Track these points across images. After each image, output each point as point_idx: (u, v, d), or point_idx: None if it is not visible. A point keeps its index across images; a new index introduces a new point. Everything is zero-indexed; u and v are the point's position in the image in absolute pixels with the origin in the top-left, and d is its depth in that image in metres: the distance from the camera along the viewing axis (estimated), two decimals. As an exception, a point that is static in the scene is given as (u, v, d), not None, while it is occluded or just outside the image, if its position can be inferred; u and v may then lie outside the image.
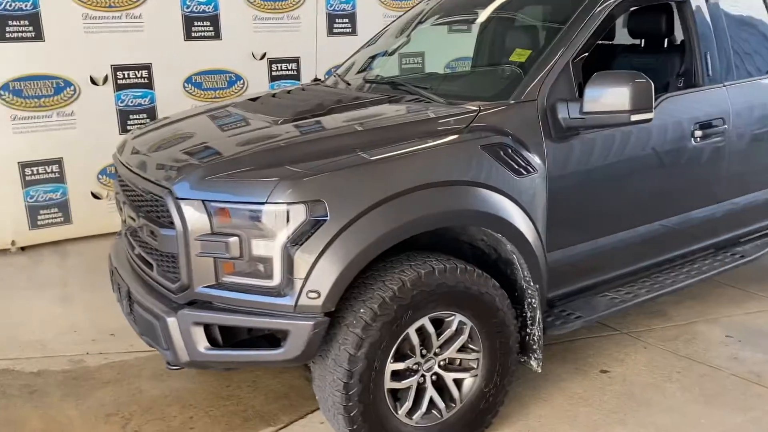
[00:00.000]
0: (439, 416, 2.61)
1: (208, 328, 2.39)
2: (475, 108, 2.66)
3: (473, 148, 2.51)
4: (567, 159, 2.78)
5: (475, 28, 3.67)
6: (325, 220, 2.23)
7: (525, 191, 2.64)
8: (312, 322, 2.25)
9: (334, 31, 5.78)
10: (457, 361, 2.66)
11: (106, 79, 4.94)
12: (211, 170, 2.36)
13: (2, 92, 4.62)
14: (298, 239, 2.23)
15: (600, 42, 4.11)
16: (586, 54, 2.85)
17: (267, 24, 5.47)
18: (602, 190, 2.92)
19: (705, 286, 4.19)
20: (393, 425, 2.50)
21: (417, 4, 3.93)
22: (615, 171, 2.94)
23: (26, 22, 4.57)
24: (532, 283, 2.71)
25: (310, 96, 3.18)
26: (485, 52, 3.63)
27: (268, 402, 3.10)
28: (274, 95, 3.30)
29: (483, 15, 3.57)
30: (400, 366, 2.46)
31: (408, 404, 2.52)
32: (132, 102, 5.07)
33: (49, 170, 4.89)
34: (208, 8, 5.21)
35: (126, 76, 5.01)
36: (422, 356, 2.54)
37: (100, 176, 5.07)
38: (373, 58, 3.76)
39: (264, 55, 5.50)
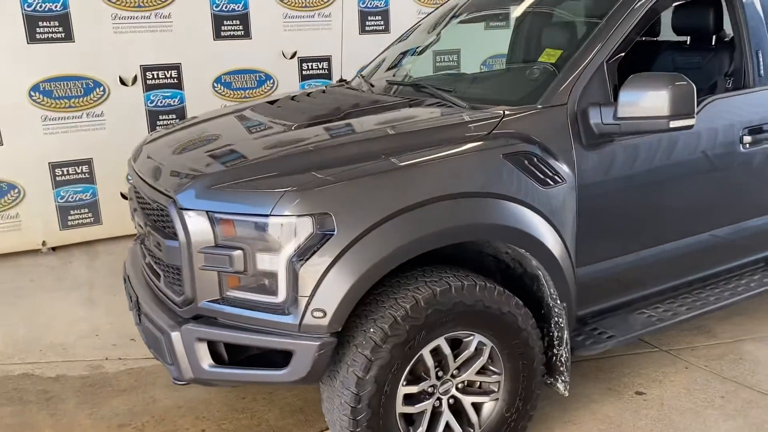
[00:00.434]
0: (456, 442, 2.46)
1: (212, 345, 2.29)
2: (498, 113, 2.48)
3: (494, 156, 2.34)
4: (600, 168, 2.58)
5: (509, 23, 3.46)
6: (333, 234, 2.09)
7: (552, 203, 2.45)
8: (317, 343, 2.13)
9: (367, 28, 5.64)
10: (477, 384, 2.50)
11: (135, 79, 4.92)
12: (216, 179, 2.25)
13: (32, 93, 4.64)
14: (304, 254, 2.10)
15: (643, 39, 3.91)
16: (623, 54, 2.63)
17: (297, 22, 5.36)
18: (638, 201, 2.70)
19: (754, 301, 3.88)
20: (405, 451, 2.35)
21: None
22: (653, 181, 2.71)
23: (56, 23, 4.58)
24: (558, 301, 2.53)
25: (329, 99, 3.05)
26: (518, 51, 3.43)
27: (284, 416, 2.99)
28: (293, 98, 3.18)
29: (517, 10, 3.38)
30: (413, 389, 2.31)
31: (422, 430, 2.37)
32: (161, 102, 5.05)
33: (79, 171, 4.90)
34: (238, 7, 5.13)
35: (155, 76, 4.98)
36: (438, 378, 2.38)
37: (129, 177, 5.06)
38: (399, 57, 3.61)
39: (294, 54, 5.40)
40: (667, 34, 3.65)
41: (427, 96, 2.88)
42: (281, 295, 2.14)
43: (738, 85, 3.03)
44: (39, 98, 4.67)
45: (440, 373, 2.38)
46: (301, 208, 2.09)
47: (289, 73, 5.40)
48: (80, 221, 4.99)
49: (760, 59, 2.97)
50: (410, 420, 2.38)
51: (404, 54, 3.58)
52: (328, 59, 5.52)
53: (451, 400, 2.44)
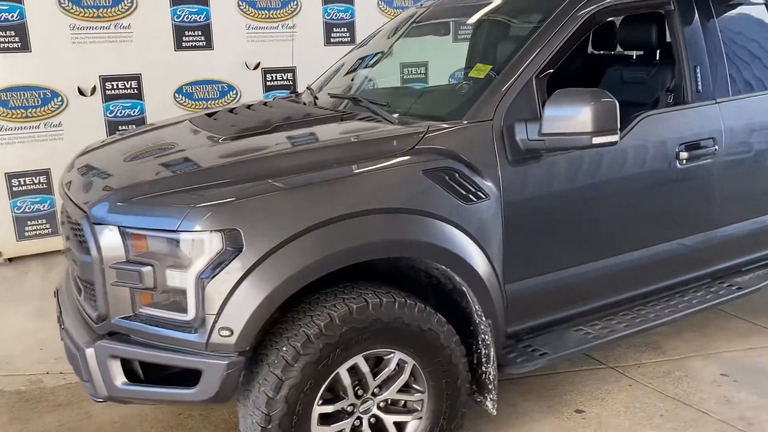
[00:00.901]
0: (377, 462, 2.42)
1: (126, 362, 2.25)
2: (422, 129, 2.46)
3: (413, 172, 2.31)
4: (526, 184, 2.55)
5: (457, 36, 3.45)
6: (241, 251, 2.06)
7: (475, 219, 2.42)
8: (225, 362, 2.09)
9: (332, 40, 5.63)
10: (401, 403, 2.46)
11: (94, 89, 4.89)
12: (128, 194, 2.22)
13: (-12, 103, 4.61)
14: (212, 271, 2.07)
15: (595, 53, 3.91)
16: (551, 70, 2.61)
17: (261, 33, 5.35)
18: (568, 217, 2.68)
19: (707, 317, 3.87)
20: (322, 473, 2.31)
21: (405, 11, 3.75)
22: (583, 197, 2.69)
23: (12, 33, 4.55)
24: (484, 318, 2.49)
25: (265, 112, 3.02)
26: (467, 65, 3.41)
27: (217, 434, 2.95)
28: (232, 110, 3.16)
29: (463, 24, 3.36)
30: (329, 409, 2.27)
31: (340, 449, 2.34)
32: (121, 113, 5.02)
33: (36, 181, 4.86)
34: (200, 18, 5.12)
35: (115, 86, 4.95)
36: (358, 397, 2.34)
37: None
38: (348, 70, 3.59)
39: (258, 65, 5.38)
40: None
41: (363, 110, 2.86)
42: (191, 313, 2.11)
43: (678, 100, 3.01)
44: (-5, 108, 4.64)
45: (360, 392, 2.34)
46: (208, 224, 2.06)
47: (253, 84, 5.38)
48: (37, 232, 4.95)
49: (698, 75, 2.96)
50: (329, 440, 2.34)
51: (354, 66, 3.56)
52: (292, 70, 5.50)
53: (372, 419, 2.40)
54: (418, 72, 3.41)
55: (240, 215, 2.07)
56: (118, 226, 2.16)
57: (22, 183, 4.83)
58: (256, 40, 5.35)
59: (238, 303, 2.06)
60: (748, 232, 3.22)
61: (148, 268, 2.11)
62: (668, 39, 3.10)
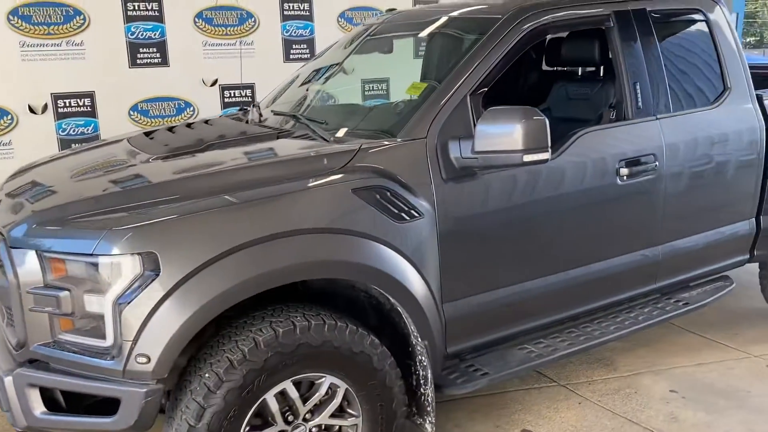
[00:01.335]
0: (310, 489, 2.35)
1: (46, 391, 2.18)
2: (354, 147, 2.43)
3: (342, 191, 2.27)
4: (461, 202, 2.52)
5: (403, 55, 3.43)
6: (158, 275, 2.00)
7: (408, 238, 2.39)
8: (143, 390, 2.02)
9: (291, 57, 5.60)
10: (335, 428, 2.40)
11: (45, 107, 4.81)
12: (45, 216, 2.16)
13: (-66, 121, 4.51)
14: (129, 296, 2.01)
15: (543, 69, 3.92)
16: (486, 89, 2.60)
17: (218, 50, 5.31)
18: (506, 235, 2.65)
19: (660, 331, 3.87)
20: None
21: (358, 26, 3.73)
22: (521, 215, 2.67)
23: (-41, 51, 4.47)
24: (420, 339, 2.45)
25: (202, 131, 2.97)
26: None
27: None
28: (171, 129, 3.11)
29: (406, 41, 3.35)
30: (256, 436, 2.21)
31: (271, 476, 2.27)
32: (74, 131, 4.93)
33: (-15, 201, 4.75)
34: (155, 35, 5.07)
35: (67, 104, 4.87)
36: (289, 423, 2.28)
37: None
38: (297, 85, 3.55)
39: (215, 82, 5.34)
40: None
41: (303, 127, 2.82)
42: (109, 339, 2.04)
43: (620, 116, 3.01)
44: (-60, 127, 4.54)
45: (291, 417, 2.28)
46: (124, 247, 2.00)
47: (210, 101, 5.33)
48: (-14, 253, 4.82)
49: (638, 91, 2.96)
50: (260, 468, 2.28)
51: (302, 82, 3.53)
52: (251, 87, 5.46)
53: (305, 445, 2.34)
54: (368, 89, 3.40)
55: (157, 238, 2.02)
56: (36, 250, 2.09)
57: (-30, 203, 4.71)
58: (213, 57, 5.31)
59: (155, 329, 2.00)
60: (693, 247, 3.21)
61: (65, 293, 2.05)
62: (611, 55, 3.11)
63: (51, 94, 4.82)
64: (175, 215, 2.06)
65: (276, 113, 3.16)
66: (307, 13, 5.58)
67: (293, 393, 2.24)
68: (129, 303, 2.00)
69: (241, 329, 2.19)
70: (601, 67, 3.33)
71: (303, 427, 2.31)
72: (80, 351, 2.09)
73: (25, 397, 2.15)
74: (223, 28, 5.31)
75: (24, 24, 4.65)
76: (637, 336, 3.66)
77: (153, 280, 2.00)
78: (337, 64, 3.42)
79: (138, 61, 5.05)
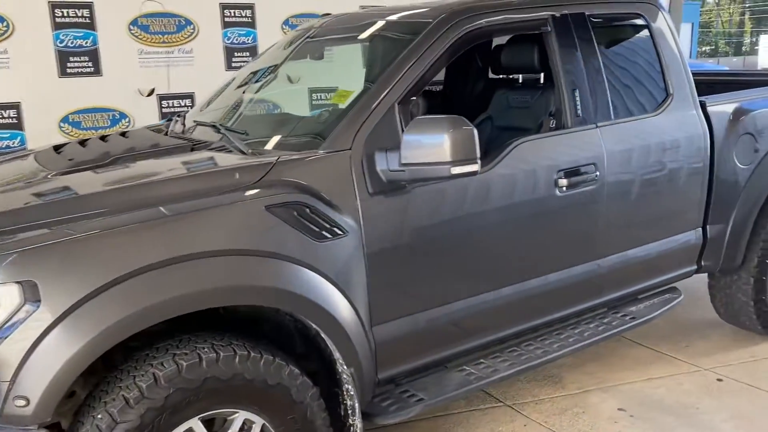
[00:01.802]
0: None
1: None
2: (270, 160, 2.24)
3: (254, 209, 2.08)
4: (390, 218, 2.36)
5: (335, 61, 3.26)
6: (39, 307, 1.78)
7: (331, 258, 2.21)
8: (24, 436, 1.80)
9: (233, 65, 5.39)
10: (254, 466, 2.20)
11: (-34, 119, 4.52)
12: None
13: None
14: (6, 330, 1.78)
15: (488, 77, 3.79)
16: (414, 97, 2.45)
17: (155, 58, 5.08)
18: (440, 252, 2.49)
19: (611, 345, 3.76)
20: None
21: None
22: (455, 230, 2.51)
23: None
24: (346, 367, 2.27)
25: (114, 144, 2.75)
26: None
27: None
28: (83, 142, 2.88)
29: (339, 47, 3.19)
30: (158, 480, 1.99)
31: None
32: (-1, 144, 4.65)
33: None
34: (86, 42, 4.81)
35: (-10, 116, 4.59)
36: (199, 463, 2.07)
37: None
38: (225, 95, 3.35)
39: (152, 91, 5.10)
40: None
41: (221, 138, 2.62)
42: (-13, 379, 1.81)
43: (559, 125, 2.89)
44: None
45: (202, 457, 2.07)
46: (0, 276, 1.78)
47: (147, 111, 5.08)
48: None
49: (577, 99, 2.85)
50: None
51: (231, 89, 3.33)
52: (190, 96, 5.24)
53: (218, 486, 2.13)
54: (297, 98, 3.24)
55: (37, 264, 1.80)
56: None
57: None
58: (150, 66, 5.07)
59: (35, 367, 1.78)
60: (638, 259, 3.10)
61: (-64, 328, 1.81)
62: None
63: (-28, 105, 4.54)
64: (59, 239, 1.85)
65: (198, 123, 2.96)
66: (250, 20, 5.39)
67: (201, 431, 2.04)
68: (6, 338, 1.78)
69: (141, 363, 1.98)
70: (542, 74, 3.21)
71: (215, 467, 2.11)
72: (-44, 392, 1.86)
73: None
74: (160, 36, 5.08)
75: (-60, 31, 4.37)
76: (587, 350, 3.53)
77: (33, 313, 1.78)
78: (266, 71, 3.23)
79: (68, 71, 4.79)
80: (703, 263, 3.42)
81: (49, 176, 2.33)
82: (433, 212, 2.45)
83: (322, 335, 2.23)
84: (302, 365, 2.42)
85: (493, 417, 3.16)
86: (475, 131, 2.23)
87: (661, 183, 3.10)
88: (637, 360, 3.66)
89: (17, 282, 1.79)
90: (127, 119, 5.06)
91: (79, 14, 4.77)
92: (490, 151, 2.66)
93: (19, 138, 4.71)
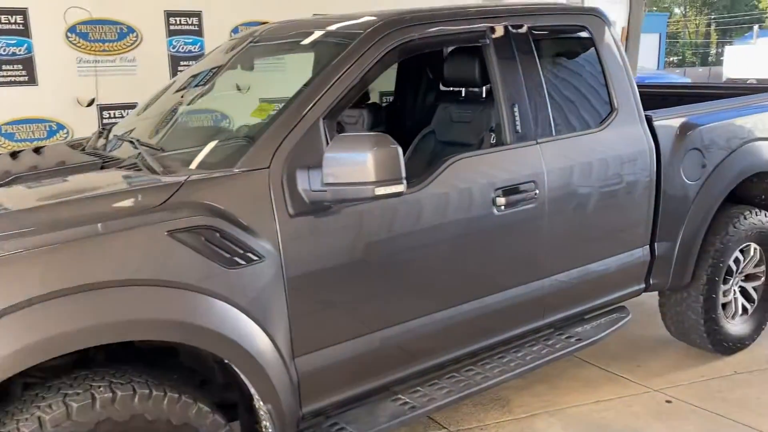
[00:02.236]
0: None
1: None
2: (178, 180, 2.08)
3: (154, 234, 1.92)
4: (313, 241, 2.21)
5: (268, 72, 3.11)
6: None
7: (244, 286, 2.05)
8: None
9: (179, 72, 5.20)
10: None
11: None
12: None
13: None
14: None
15: (447, 90, 3.67)
16: (340, 111, 2.32)
17: (95, 67, 4.86)
18: (368, 276, 2.35)
19: (561, 365, 3.65)
20: None
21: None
22: (385, 252, 2.38)
23: None
24: (263, 402, 2.11)
25: (21, 160, 2.56)
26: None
27: None
28: (-8, 158, 2.68)
29: (269, 58, 3.04)
30: None
31: None
32: (-76, 156, 4.38)
33: None
34: (20, 50, 4.58)
35: None
36: None
37: None
38: (154, 106, 3.17)
39: (92, 102, 4.88)
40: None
41: (136, 154, 2.45)
42: None
43: (499, 141, 2.78)
44: None
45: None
46: None
47: (87, 122, 4.86)
48: None
49: (516, 115, 2.74)
50: None
51: (160, 102, 3.15)
52: (133, 106, 5.01)
53: None
54: (222, 111, 3.08)
55: None
56: None
57: None
58: (90, 75, 4.85)
59: None
60: (582, 279, 3.00)
61: None
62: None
63: None
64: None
65: (118, 137, 2.78)
66: (196, 28, 5.21)
67: (95, 480, 1.85)
68: None
69: (27, 404, 1.80)
70: (484, 88, 3.09)
71: None
72: None
73: None
74: (101, 44, 4.86)
75: None
76: (537, 371, 3.42)
77: None
78: (197, 81, 3.07)
79: (0, 79, 4.55)
80: (651, 281, 3.34)
81: (-63, 197, 2.13)
82: (361, 234, 2.30)
83: (236, 369, 2.07)
84: (226, 396, 2.27)
85: (435, 444, 3.03)
86: (400, 150, 2.09)
87: (605, 200, 3.00)
88: (587, 381, 3.56)
89: None
90: (65, 130, 4.83)
91: (12, 21, 4.54)
92: (430, 168, 2.54)
93: (-54, 150, 4.46)
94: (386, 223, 2.36)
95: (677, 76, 19.42)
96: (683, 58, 58.08)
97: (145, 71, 5.04)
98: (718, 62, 42.75)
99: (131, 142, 2.57)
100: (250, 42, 3.02)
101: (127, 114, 4.93)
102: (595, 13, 3.11)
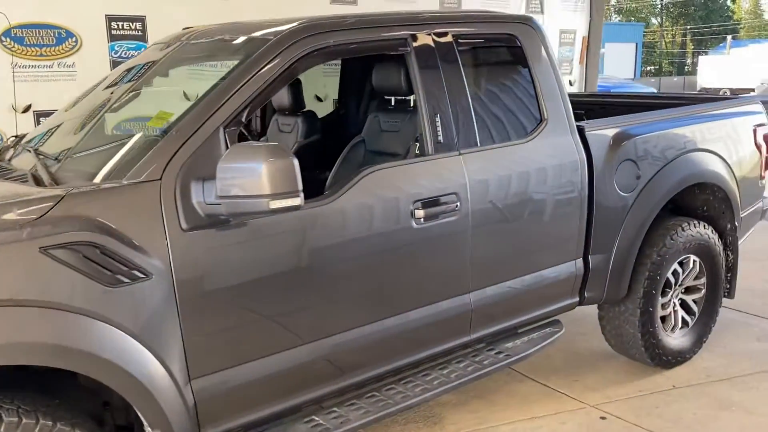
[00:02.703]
0: None
1: None
2: (59, 193, 1.96)
3: (25, 251, 1.80)
4: (209, 257, 2.10)
5: (180, 80, 2.97)
6: None
7: (128, 305, 1.94)
8: None
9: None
10: None
11: None
12: None
13: None
14: None
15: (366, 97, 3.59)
16: (243, 121, 2.22)
17: (32, 72, 4.71)
18: (272, 294, 2.25)
19: (501, 379, 3.57)
20: None
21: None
22: (290, 268, 2.27)
23: None
24: (151, 429, 1.99)
25: None
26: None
27: None
28: None
29: (185, 65, 2.92)
30: None
31: None
32: None
33: None
34: (-50, 54, 4.43)
35: None
36: None
37: None
38: (65, 111, 3.04)
39: (28, 108, 4.72)
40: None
41: (31, 164, 2.33)
42: None
43: (421, 151, 2.70)
44: None
45: None
46: None
47: (23, 129, 4.69)
48: None
49: (438, 125, 2.65)
50: None
51: (72, 107, 3.03)
52: (73, 114, 4.88)
53: None
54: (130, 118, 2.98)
55: None
56: None
57: None
58: (26, 80, 4.69)
59: None
60: (510, 293, 2.92)
61: None
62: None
63: None
64: None
65: (27, 148, 2.65)
66: (140, 33, 5.08)
67: None
68: None
69: None
70: (412, 98, 3.01)
71: None
72: None
73: None
74: (38, 48, 4.71)
75: None
76: (474, 386, 3.35)
77: None
78: (113, 87, 2.95)
79: (-72, 84, 4.39)
80: (586, 295, 3.27)
81: None
82: (263, 249, 2.20)
83: (122, 394, 1.95)
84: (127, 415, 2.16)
85: (360, 466, 2.91)
86: (296, 161, 2.00)
87: (533, 212, 2.93)
88: (523, 396, 3.47)
89: None
90: (-1, 137, 4.67)
91: (-58, 24, 4.39)
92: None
93: None
94: (292, 238, 2.26)
95: (641, 86, 19.60)
96: (660, 67, 58.90)
97: (86, 77, 4.88)
98: (694, 72, 43.42)
99: (29, 151, 2.44)
100: (177, 45, 2.91)
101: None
102: (526, 22, 3.05)
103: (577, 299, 3.26)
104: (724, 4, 61.03)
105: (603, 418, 3.26)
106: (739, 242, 3.93)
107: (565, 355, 3.88)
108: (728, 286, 3.87)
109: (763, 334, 4.16)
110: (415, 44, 2.67)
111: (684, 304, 3.68)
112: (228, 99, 2.21)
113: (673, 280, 3.53)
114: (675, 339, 3.64)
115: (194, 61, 2.86)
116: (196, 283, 2.08)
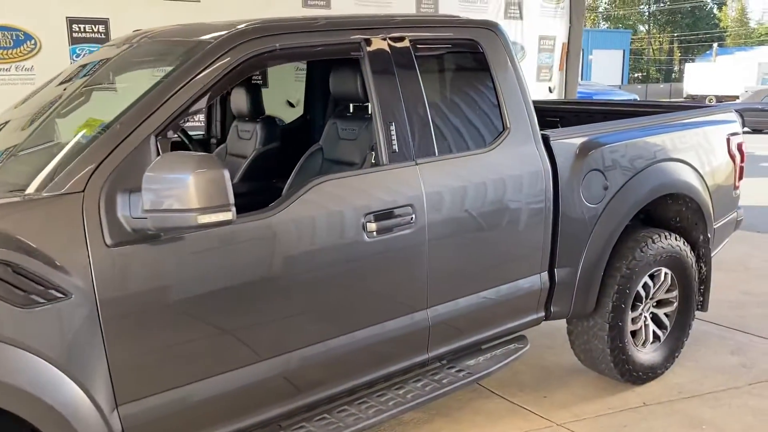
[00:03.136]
0: None
1: None
2: (-32, 206, 1.82)
3: (-76, 271, 1.66)
4: (136, 274, 1.97)
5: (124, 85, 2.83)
6: None
7: (43, 328, 1.80)
8: None
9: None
10: None
11: None
12: None
13: None
14: None
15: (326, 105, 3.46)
16: (174, 130, 2.09)
17: (-11, 76, 4.56)
18: (207, 313, 2.11)
19: (467, 396, 3.45)
20: None
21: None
22: (228, 286, 2.14)
23: None
24: (71, 460, 1.85)
25: None
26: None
27: None
28: None
29: (130, 71, 2.79)
30: None
31: None
32: None
33: None
34: None
35: None
36: None
37: None
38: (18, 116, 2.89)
39: (-15, 112, 4.56)
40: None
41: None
42: None
43: (376, 161, 2.57)
44: None
45: None
46: None
47: (-21, 135, 4.54)
48: None
49: (392, 133, 2.53)
50: None
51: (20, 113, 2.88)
52: (32, 119, 4.72)
53: None
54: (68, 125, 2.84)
55: None
56: None
57: None
58: (-18, 84, 4.55)
59: None
60: (470, 309, 2.79)
61: None
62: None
63: None
64: None
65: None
66: (103, 36, 4.93)
67: None
68: None
69: None
70: (369, 105, 2.89)
71: None
72: None
73: None
74: (-7, 51, 4.57)
75: None
76: (438, 403, 3.22)
77: None
78: (63, 88, 2.81)
79: None
80: (552, 309, 3.15)
81: None
82: (196, 266, 2.07)
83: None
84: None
85: (313, 490, 2.77)
86: (226, 173, 1.87)
87: (495, 224, 2.81)
88: (489, 414, 3.35)
89: None
90: (-47, 143, 4.50)
91: None
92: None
93: None
94: (229, 253, 2.13)
95: (624, 93, 19.63)
96: (647, 74, 59.28)
97: (45, 80, 4.75)
98: (681, 79, 43.71)
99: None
100: (126, 48, 2.77)
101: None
102: (488, 27, 2.93)
103: (543, 314, 3.14)
104: (711, 12, 61.63)
105: (569, 437, 3.15)
106: (713, 253, 3.83)
107: (534, 371, 3.76)
108: (701, 299, 3.78)
109: (738, 347, 4.06)
110: (369, 49, 2.55)
111: (655, 318, 3.57)
112: (161, 105, 2.08)
113: (643, 294, 3.43)
114: (646, 354, 3.53)
115: (139, 65, 2.72)
116: (121, 303, 1.94)
